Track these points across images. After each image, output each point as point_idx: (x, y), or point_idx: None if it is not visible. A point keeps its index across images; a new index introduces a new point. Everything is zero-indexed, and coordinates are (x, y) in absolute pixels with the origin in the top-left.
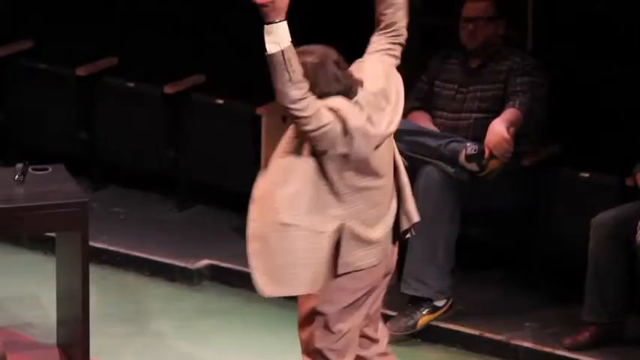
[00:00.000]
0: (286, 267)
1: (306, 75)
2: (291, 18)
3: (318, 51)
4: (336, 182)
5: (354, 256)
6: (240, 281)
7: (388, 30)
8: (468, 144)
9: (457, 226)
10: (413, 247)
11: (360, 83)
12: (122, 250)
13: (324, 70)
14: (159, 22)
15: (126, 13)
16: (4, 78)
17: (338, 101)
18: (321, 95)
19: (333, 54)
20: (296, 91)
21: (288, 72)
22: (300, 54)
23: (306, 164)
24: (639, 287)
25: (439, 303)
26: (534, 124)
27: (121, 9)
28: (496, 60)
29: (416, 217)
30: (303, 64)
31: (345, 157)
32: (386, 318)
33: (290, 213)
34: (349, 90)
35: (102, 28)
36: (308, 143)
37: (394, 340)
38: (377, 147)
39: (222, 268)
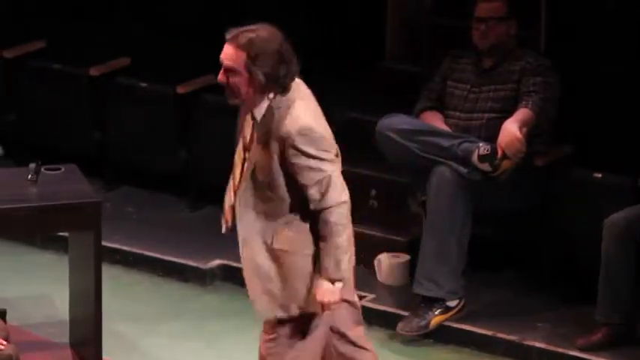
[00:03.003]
0: None
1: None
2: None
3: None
4: None
5: None
6: None
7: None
8: (481, 144)
9: (469, 226)
10: (425, 248)
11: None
12: (135, 250)
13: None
14: (171, 23)
15: (138, 13)
16: (17, 78)
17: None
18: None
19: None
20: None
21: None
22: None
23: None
24: None
25: (451, 303)
26: (547, 124)
27: (133, 9)
28: (509, 60)
29: None
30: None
31: None
32: (398, 318)
33: None
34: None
35: (114, 29)
36: None
37: (406, 341)
38: None
39: (235, 268)
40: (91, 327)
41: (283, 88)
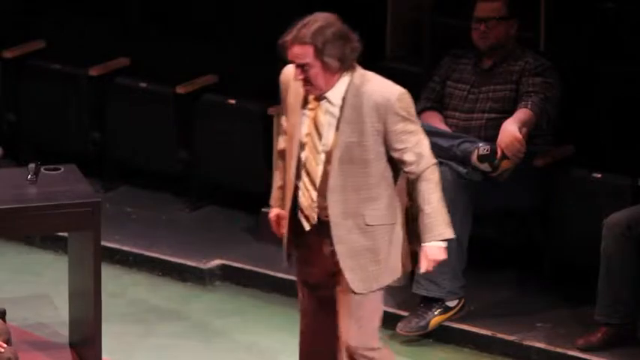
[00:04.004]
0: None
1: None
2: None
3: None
4: None
5: None
6: (252, 281)
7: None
8: (480, 144)
9: (469, 226)
10: None
11: None
12: (134, 250)
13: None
14: (171, 23)
15: (138, 13)
16: (17, 78)
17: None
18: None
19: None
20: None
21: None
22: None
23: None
24: None
25: (451, 303)
26: (547, 124)
27: (133, 9)
28: (508, 60)
29: None
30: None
31: None
32: (398, 318)
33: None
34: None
35: (114, 29)
36: None
37: (406, 341)
38: None
39: (234, 268)
40: (90, 327)
41: (353, 65)
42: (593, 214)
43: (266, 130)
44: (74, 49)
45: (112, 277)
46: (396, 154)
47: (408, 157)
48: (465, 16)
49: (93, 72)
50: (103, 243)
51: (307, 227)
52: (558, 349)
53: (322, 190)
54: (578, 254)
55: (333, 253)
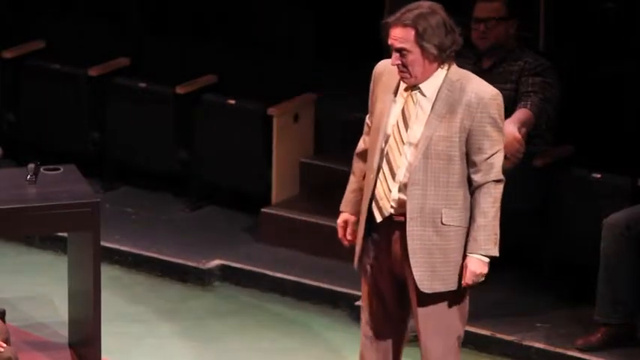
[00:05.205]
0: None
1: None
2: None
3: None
4: None
5: None
6: (252, 281)
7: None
8: None
9: None
10: None
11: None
12: (134, 251)
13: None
14: (171, 23)
15: (138, 13)
16: (16, 78)
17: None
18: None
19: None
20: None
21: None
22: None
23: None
24: None
25: None
26: (546, 124)
27: (133, 9)
28: (508, 60)
29: None
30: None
31: None
32: None
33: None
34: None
35: (114, 29)
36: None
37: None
38: None
39: (234, 268)
40: (90, 327)
41: (451, 58)
42: (593, 214)
43: (266, 130)
44: (74, 49)
45: (112, 278)
46: (469, 156)
47: (479, 163)
48: (464, 17)
49: (92, 72)
50: (103, 243)
51: (379, 218)
52: (558, 349)
53: (402, 184)
54: (578, 254)
55: (404, 253)
